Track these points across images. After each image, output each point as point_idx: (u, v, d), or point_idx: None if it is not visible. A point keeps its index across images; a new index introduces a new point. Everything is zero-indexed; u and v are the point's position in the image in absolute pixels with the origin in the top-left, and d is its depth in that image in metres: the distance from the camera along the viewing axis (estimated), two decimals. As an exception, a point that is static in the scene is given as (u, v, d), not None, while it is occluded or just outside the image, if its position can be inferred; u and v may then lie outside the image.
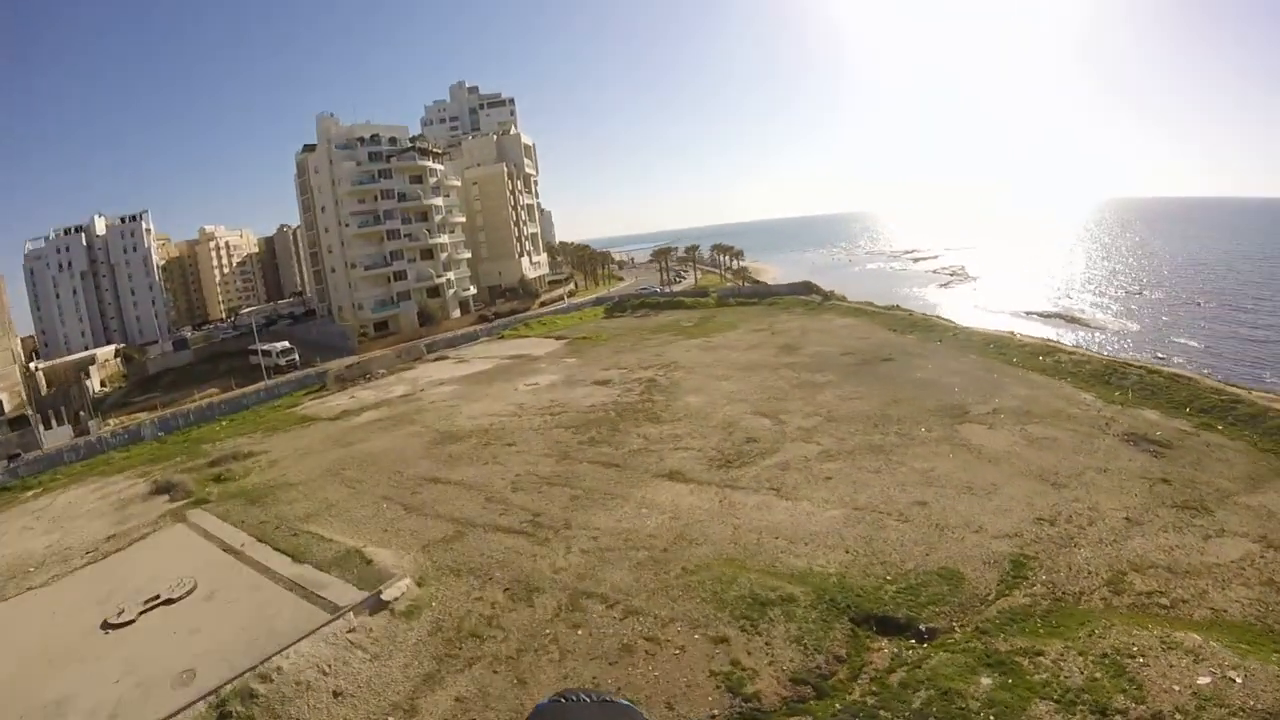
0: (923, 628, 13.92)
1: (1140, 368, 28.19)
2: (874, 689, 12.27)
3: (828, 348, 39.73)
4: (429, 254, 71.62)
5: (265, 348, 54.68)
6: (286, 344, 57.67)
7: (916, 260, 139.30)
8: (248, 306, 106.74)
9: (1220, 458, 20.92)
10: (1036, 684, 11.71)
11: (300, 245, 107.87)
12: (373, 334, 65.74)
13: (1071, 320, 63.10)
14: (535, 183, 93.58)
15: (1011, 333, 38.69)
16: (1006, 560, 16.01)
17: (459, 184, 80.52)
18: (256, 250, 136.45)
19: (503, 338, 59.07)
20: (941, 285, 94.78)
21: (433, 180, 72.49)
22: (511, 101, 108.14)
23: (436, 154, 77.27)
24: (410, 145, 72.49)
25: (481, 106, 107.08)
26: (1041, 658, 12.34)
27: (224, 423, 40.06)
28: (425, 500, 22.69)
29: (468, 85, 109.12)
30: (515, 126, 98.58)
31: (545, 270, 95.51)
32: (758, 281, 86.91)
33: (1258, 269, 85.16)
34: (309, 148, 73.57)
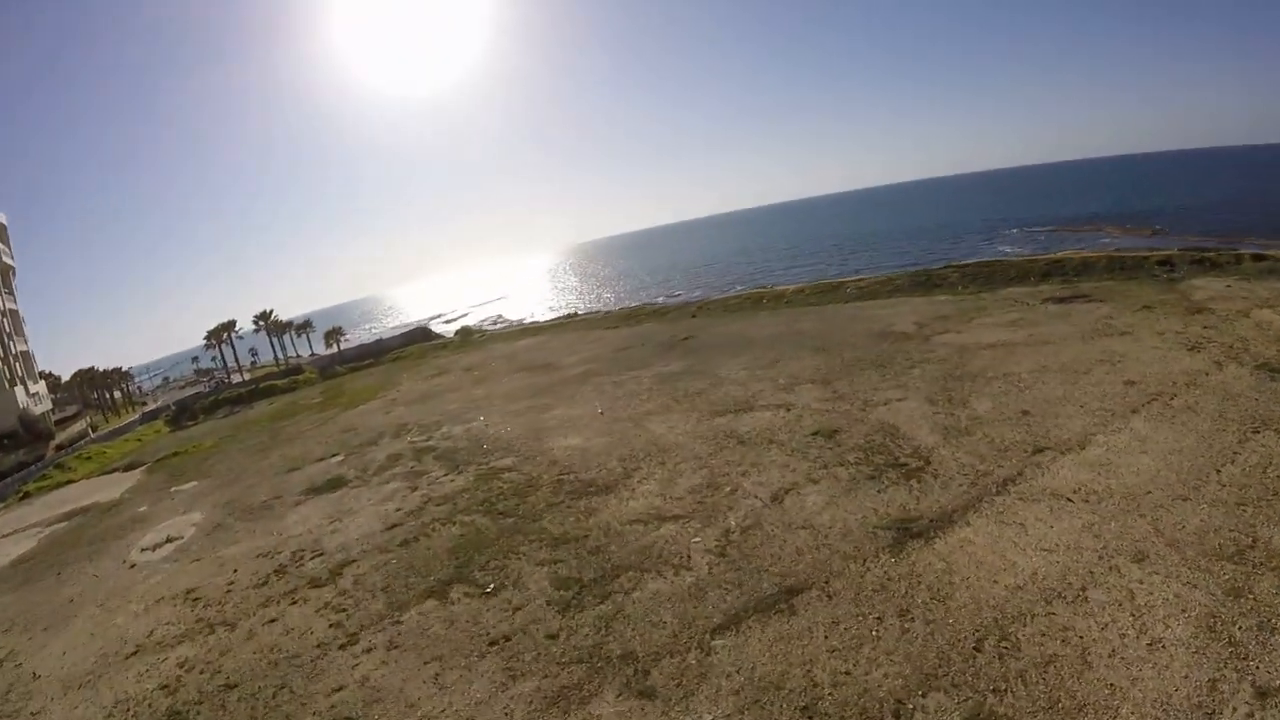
0: None
1: (949, 268, 28.46)
2: None
3: (583, 354, 28.96)
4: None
5: None
6: None
7: (448, 322, 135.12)
8: None
9: (1125, 292, 21.27)
10: None
11: None
12: None
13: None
14: (14, 279, 50.72)
15: (769, 286, 36.08)
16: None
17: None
18: None
19: (27, 495, 29.06)
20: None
21: None
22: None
23: None
24: None
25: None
26: None
27: None
28: None
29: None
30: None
31: (49, 404, 53.40)
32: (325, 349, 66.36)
33: (755, 256, 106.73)
34: None
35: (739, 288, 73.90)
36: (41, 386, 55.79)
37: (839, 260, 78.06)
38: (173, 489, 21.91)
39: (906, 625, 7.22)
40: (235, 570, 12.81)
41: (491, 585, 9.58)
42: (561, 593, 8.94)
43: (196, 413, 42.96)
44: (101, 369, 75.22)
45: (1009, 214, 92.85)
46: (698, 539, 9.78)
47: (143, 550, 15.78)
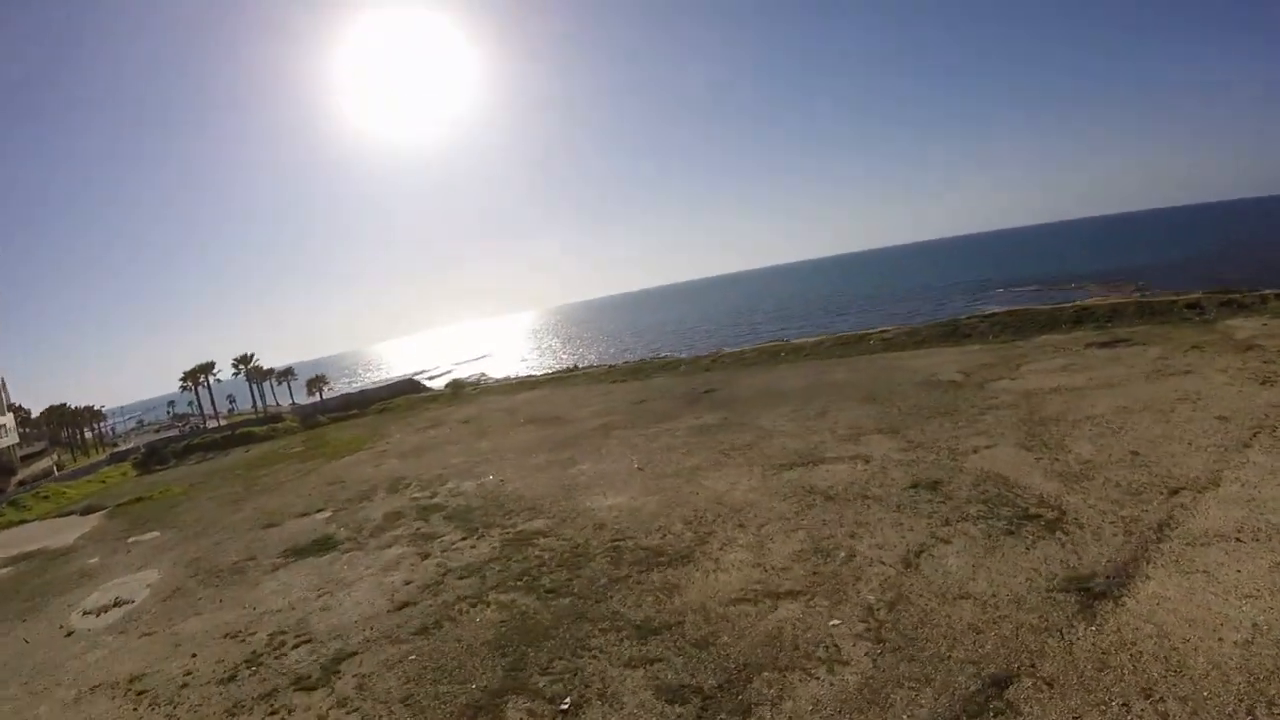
0: None
1: (975, 318, 27.15)
2: None
3: (595, 407, 26.54)
4: None
5: None
6: None
7: (431, 378, 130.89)
8: None
9: (1165, 335, 20.27)
10: None
11: None
12: None
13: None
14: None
15: (785, 340, 34.37)
16: None
17: None
18: None
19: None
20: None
21: None
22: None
23: None
24: None
25: None
26: None
27: None
28: None
29: None
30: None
31: (15, 438, 49.74)
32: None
33: (742, 319, 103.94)
34: None
35: (727, 348, 72.72)
36: (9, 419, 51.98)
37: (826, 322, 77.51)
38: (131, 539, 18.80)
39: (1162, 708, 5.41)
40: (194, 655, 9.84)
41: (568, 699, 6.80)
42: (678, 708, 6.27)
43: (167, 456, 39.49)
44: (74, 407, 70.77)
45: (992, 275, 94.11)
46: (836, 621, 7.31)
47: (85, 614, 12.74)
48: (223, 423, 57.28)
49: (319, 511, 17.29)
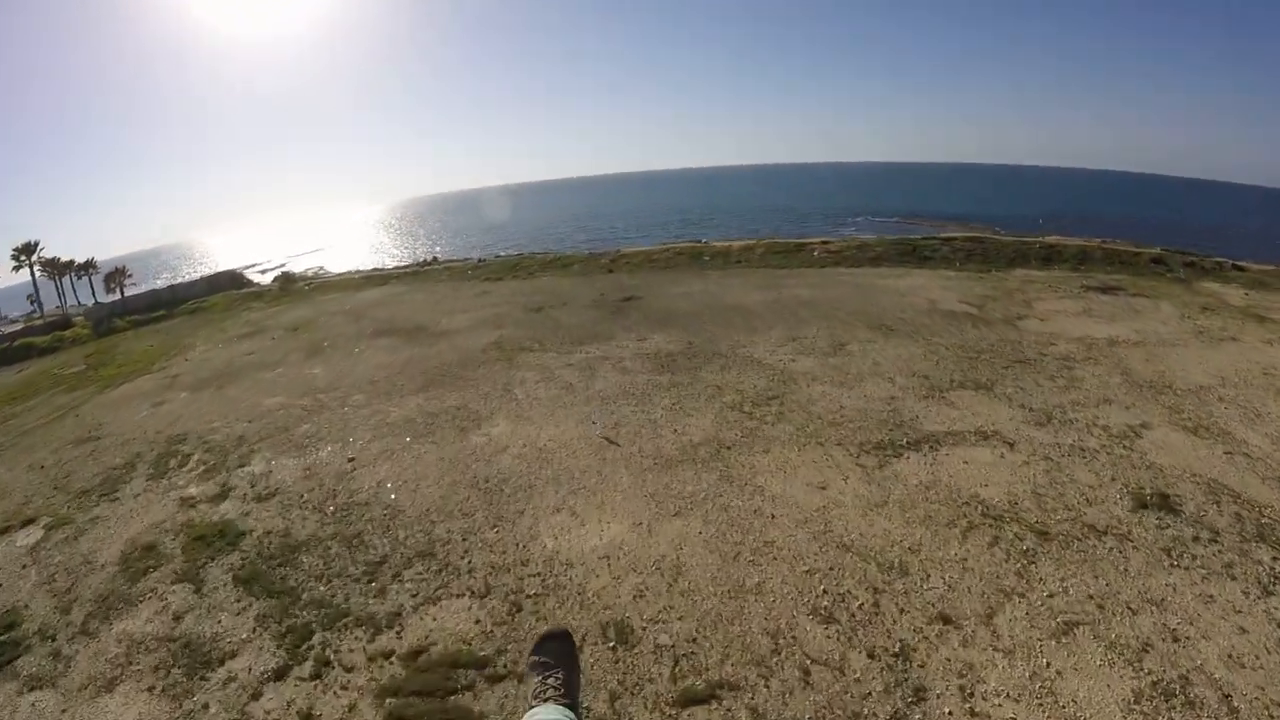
0: None
1: (934, 240, 23.68)
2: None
3: (475, 314, 19.26)
4: None
5: None
6: None
7: (264, 271, 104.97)
8: None
9: (1160, 290, 17.96)
10: None
11: None
12: None
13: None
14: None
15: (703, 241, 28.59)
16: None
17: None
18: None
19: None
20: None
21: None
22: None
23: None
24: None
25: None
26: None
27: None
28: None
29: None
30: None
31: None
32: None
33: (590, 224, 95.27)
34: None
35: (624, 247, 65.26)
36: None
37: (687, 230, 73.54)
38: None
39: None
40: None
41: None
42: None
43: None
44: None
45: (854, 204, 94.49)
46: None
47: None
48: (17, 329, 40.45)
49: (28, 525, 8.94)
